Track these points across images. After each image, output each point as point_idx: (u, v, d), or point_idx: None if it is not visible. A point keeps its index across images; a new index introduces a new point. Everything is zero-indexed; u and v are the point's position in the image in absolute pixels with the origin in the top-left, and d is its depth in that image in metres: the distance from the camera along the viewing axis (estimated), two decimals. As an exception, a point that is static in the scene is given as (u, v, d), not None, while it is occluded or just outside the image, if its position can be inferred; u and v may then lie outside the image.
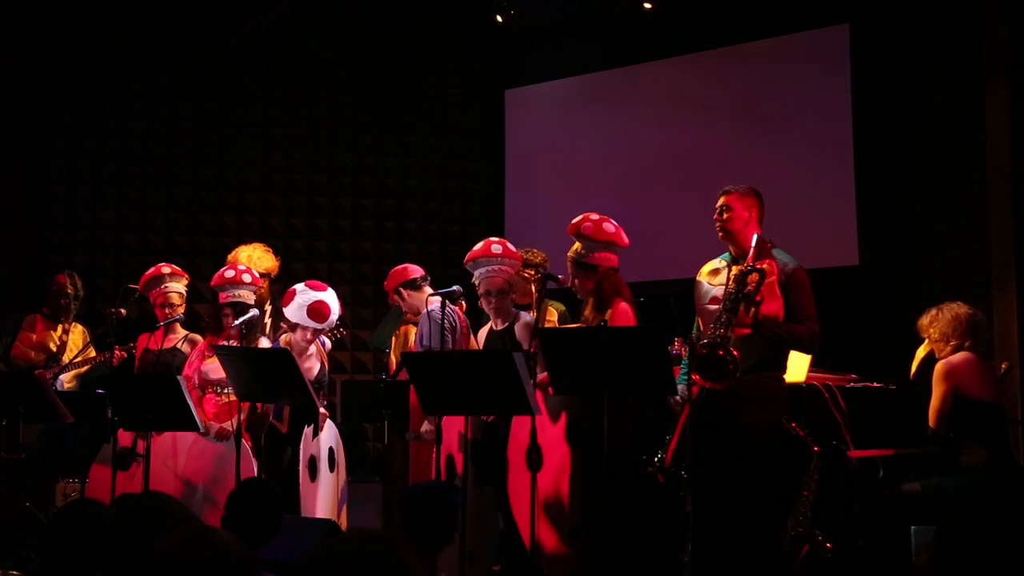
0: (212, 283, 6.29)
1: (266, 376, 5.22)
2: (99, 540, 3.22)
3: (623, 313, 5.09)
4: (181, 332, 6.38)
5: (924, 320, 5.27)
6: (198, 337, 6.35)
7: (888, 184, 7.06)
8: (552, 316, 6.09)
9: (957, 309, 5.20)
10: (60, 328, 6.99)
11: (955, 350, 5.13)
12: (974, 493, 4.93)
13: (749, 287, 4.47)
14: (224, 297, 6.18)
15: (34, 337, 6.95)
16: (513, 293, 5.63)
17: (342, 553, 2.04)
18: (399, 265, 6.47)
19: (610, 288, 5.15)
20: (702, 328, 4.81)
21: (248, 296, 6.13)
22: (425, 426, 5.63)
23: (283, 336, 5.95)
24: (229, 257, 6.81)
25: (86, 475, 6.16)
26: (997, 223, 6.36)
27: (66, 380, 6.85)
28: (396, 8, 8.70)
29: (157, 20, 8.38)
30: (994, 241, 6.35)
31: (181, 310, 6.38)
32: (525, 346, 5.23)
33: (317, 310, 5.79)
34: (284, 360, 5.26)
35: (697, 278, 4.91)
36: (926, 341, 5.30)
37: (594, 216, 5.27)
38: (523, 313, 5.57)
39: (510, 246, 5.61)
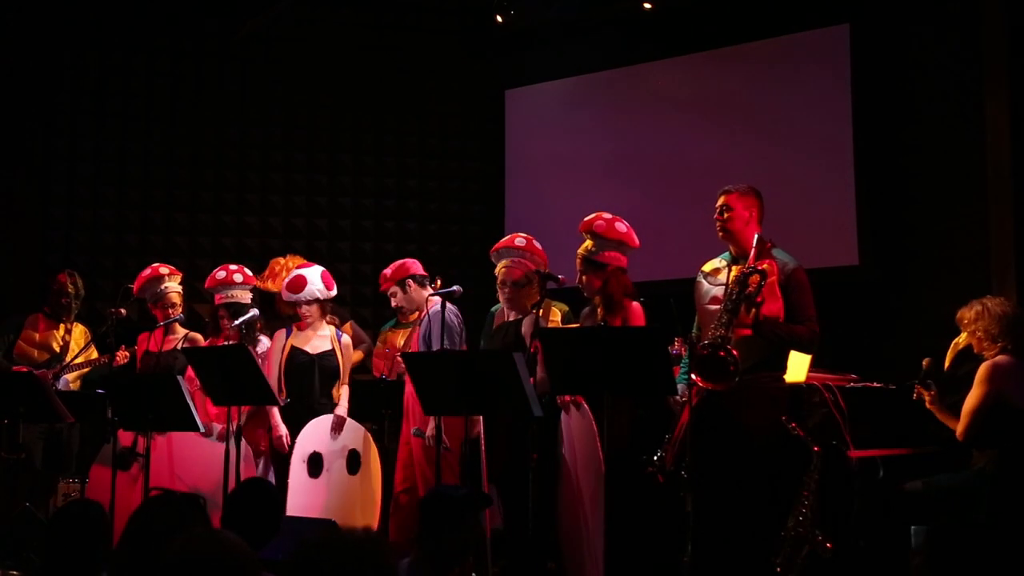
0: (206, 285, 6.31)
1: (230, 374, 5.23)
2: (99, 540, 3.23)
3: (636, 314, 5.09)
4: (180, 332, 6.38)
5: (967, 313, 5.10)
6: (198, 336, 6.36)
7: (888, 184, 7.05)
8: (556, 316, 6.08)
9: (1004, 307, 5.05)
10: (62, 328, 7.00)
11: (1002, 351, 4.98)
12: (975, 492, 4.91)
13: (750, 288, 4.46)
14: (218, 299, 6.20)
15: (37, 336, 6.95)
16: (530, 287, 5.61)
17: (326, 552, 2.04)
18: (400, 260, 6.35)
19: (619, 288, 5.15)
20: (702, 328, 4.81)
21: (242, 295, 6.15)
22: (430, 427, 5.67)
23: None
24: (272, 271, 6.91)
25: (86, 475, 6.16)
26: (997, 223, 6.36)
27: (71, 380, 6.85)
28: (396, 8, 8.70)
29: (157, 20, 8.37)
30: (994, 241, 6.35)
31: (180, 309, 6.39)
32: (528, 340, 5.22)
33: (294, 282, 5.98)
34: (241, 355, 5.28)
35: (697, 278, 4.91)
36: (964, 333, 5.14)
37: (607, 215, 5.27)
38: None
39: (536, 243, 5.63)
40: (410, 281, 6.10)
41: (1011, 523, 4.82)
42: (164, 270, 6.37)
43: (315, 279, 6.04)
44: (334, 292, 6.15)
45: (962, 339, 5.23)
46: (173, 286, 6.36)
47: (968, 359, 5.24)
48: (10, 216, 8.03)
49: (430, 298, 5.96)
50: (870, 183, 7.06)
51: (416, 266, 6.19)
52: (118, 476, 5.49)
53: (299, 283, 5.99)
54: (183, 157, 8.44)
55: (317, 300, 6.04)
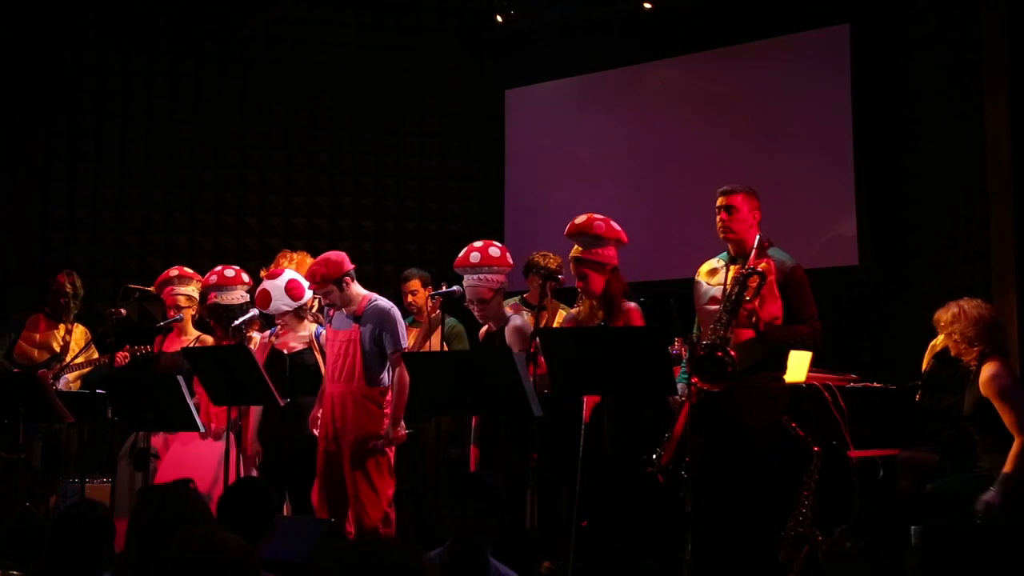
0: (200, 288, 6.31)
1: (230, 374, 5.23)
2: (103, 541, 3.23)
3: (634, 314, 5.08)
4: (193, 333, 6.34)
5: (944, 315, 5.00)
6: (208, 338, 6.33)
7: (888, 184, 7.06)
8: (559, 320, 6.03)
9: (981, 309, 4.95)
10: (63, 328, 7.01)
11: (980, 356, 4.88)
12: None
13: (750, 289, 4.47)
14: (210, 299, 6.20)
15: (37, 336, 6.96)
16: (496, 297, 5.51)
17: (352, 557, 2.03)
18: (330, 252, 5.74)
19: (618, 287, 5.14)
20: (702, 328, 4.80)
21: (228, 296, 6.11)
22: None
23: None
24: (277, 263, 6.83)
25: (85, 476, 6.16)
26: (997, 223, 6.36)
27: (71, 379, 6.85)
28: (396, 8, 8.70)
29: (157, 20, 8.38)
30: (994, 241, 6.35)
31: (191, 312, 6.36)
32: (516, 349, 5.18)
33: (259, 298, 5.86)
34: (241, 355, 5.27)
35: (696, 278, 4.90)
36: (941, 336, 5.08)
37: (597, 216, 5.25)
38: (514, 316, 5.51)
39: (494, 251, 5.39)
40: (347, 278, 5.60)
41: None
42: (174, 272, 6.33)
43: (279, 293, 5.81)
44: (305, 298, 5.90)
45: (939, 341, 5.18)
46: (180, 289, 6.31)
47: (946, 363, 5.21)
48: (10, 216, 8.04)
49: (430, 297, 5.95)
50: (870, 183, 7.06)
51: (347, 259, 5.70)
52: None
53: (264, 299, 5.84)
54: (183, 157, 8.44)
55: (286, 312, 5.89)
